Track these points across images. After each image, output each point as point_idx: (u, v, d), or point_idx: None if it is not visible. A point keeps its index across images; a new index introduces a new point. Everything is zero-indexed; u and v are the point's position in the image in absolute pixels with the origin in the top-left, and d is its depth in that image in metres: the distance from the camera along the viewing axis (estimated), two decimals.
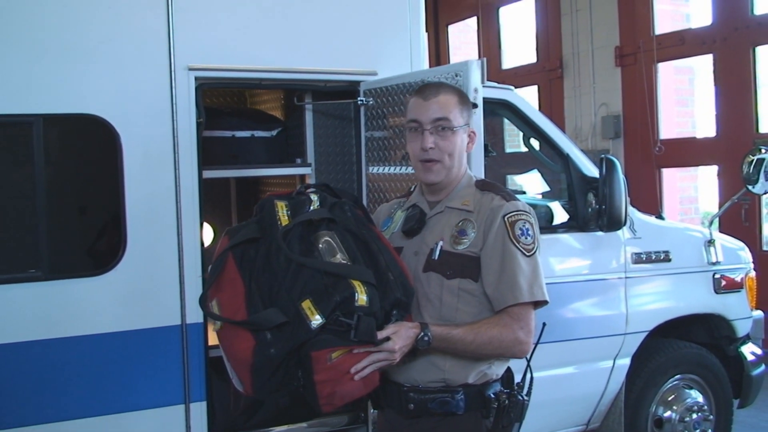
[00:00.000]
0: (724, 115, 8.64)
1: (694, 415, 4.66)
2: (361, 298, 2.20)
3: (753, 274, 5.02)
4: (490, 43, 12.04)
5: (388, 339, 2.24)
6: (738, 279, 4.87)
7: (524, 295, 2.38)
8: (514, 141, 8.05)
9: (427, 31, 4.61)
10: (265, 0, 3.89)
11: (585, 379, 4.43)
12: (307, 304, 2.19)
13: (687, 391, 4.74)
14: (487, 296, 2.42)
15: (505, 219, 2.43)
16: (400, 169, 3.82)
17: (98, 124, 3.49)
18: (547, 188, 4.96)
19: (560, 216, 4.52)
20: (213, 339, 2.66)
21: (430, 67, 4.27)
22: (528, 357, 2.49)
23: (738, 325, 4.88)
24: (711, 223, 4.96)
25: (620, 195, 4.10)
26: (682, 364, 4.74)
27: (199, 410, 3.67)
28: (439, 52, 13.18)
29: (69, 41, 3.45)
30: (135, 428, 3.55)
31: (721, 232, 5.12)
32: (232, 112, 5.17)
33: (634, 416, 4.58)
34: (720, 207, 6.66)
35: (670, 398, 4.70)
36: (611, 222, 4.14)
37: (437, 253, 2.47)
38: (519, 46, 11.91)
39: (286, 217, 2.39)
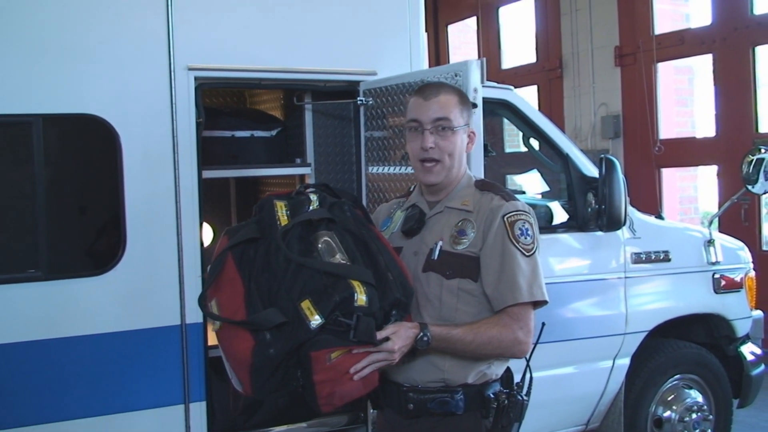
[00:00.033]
0: (723, 115, 8.64)
1: (694, 415, 4.66)
2: (361, 298, 2.19)
3: (752, 273, 5.02)
4: (489, 43, 12.04)
5: (387, 339, 2.23)
6: (737, 279, 4.87)
7: (524, 295, 2.38)
8: (514, 141, 8.05)
9: (426, 31, 4.61)
10: (265, 0, 3.89)
11: (584, 379, 4.43)
12: (306, 304, 2.19)
13: (686, 391, 4.74)
14: (487, 296, 2.42)
15: (505, 219, 2.43)
16: (400, 169, 3.82)
17: (98, 124, 3.49)
18: (546, 188, 4.96)
19: (560, 216, 4.52)
20: (212, 339, 2.66)
21: (430, 67, 4.27)
22: (527, 357, 2.49)
23: (737, 325, 4.88)
24: (711, 222, 4.96)
25: (620, 195, 4.10)
26: (682, 364, 4.75)
27: (198, 410, 3.67)
28: (438, 52, 13.19)
29: (69, 41, 3.45)
30: (134, 428, 3.55)
31: (720, 231, 5.12)
32: (232, 112, 5.17)
33: (633, 416, 4.58)
34: (719, 207, 6.66)
35: (669, 398, 4.71)
36: (611, 222, 4.14)
37: (437, 253, 2.47)
38: (518, 46, 11.91)
39: (286, 217, 2.39)
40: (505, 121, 4.82)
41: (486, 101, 3.39)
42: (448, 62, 11.22)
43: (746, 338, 4.98)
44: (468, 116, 2.57)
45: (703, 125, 9.44)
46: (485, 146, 3.55)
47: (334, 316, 2.17)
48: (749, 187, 4.78)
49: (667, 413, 4.68)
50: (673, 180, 9.66)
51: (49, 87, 3.42)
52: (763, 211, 8.28)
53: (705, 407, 4.73)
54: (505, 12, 11.98)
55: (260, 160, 4.65)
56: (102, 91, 3.50)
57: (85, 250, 3.69)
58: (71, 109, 3.47)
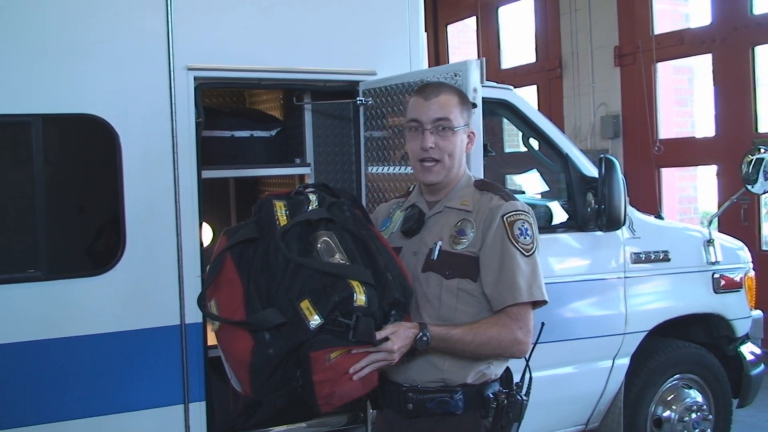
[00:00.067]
0: (723, 115, 8.64)
1: (694, 415, 4.66)
2: (360, 298, 2.19)
3: (752, 273, 5.02)
4: (489, 42, 12.04)
5: (386, 339, 2.23)
6: (737, 279, 4.87)
7: (523, 295, 2.38)
8: (514, 141, 8.06)
9: (426, 30, 4.61)
10: (265, 0, 3.89)
11: (584, 379, 4.43)
12: (305, 305, 2.19)
13: (686, 390, 4.74)
14: (486, 296, 2.42)
15: (504, 219, 2.43)
16: (400, 169, 3.82)
17: (97, 124, 3.49)
18: (546, 188, 4.96)
19: (559, 216, 4.52)
20: (212, 339, 2.66)
21: (429, 67, 4.27)
22: (527, 357, 2.49)
23: (737, 325, 4.88)
24: (710, 222, 4.96)
25: (619, 195, 4.10)
26: (682, 364, 4.74)
27: (198, 410, 3.67)
28: (438, 51, 13.19)
29: (68, 41, 3.45)
30: (134, 428, 3.55)
31: (720, 231, 5.12)
32: (231, 112, 5.17)
33: (633, 416, 4.58)
34: (719, 207, 6.66)
35: (669, 398, 4.71)
36: (610, 222, 4.14)
37: (436, 253, 2.47)
38: (518, 45, 11.91)
39: (285, 217, 2.39)
40: (505, 121, 4.82)
41: (485, 101, 3.39)
42: (448, 62, 11.22)
43: (746, 338, 4.98)
44: (468, 116, 2.58)
45: (703, 125, 9.45)
46: (485, 146, 3.55)
47: (333, 316, 2.17)
48: (749, 186, 4.78)
49: (667, 413, 4.68)
50: (673, 180, 9.66)
51: (48, 87, 3.42)
52: (763, 210, 8.28)
53: (704, 407, 4.73)
54: (504, 12, 11.99)
55: (260, 160, 4.65)
56: (101, 91, 3.50)
57: (85, 250, 3.69)
58: (71, 109, 3.47)
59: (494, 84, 4.23)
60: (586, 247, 4.40)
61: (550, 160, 4.54)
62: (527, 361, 2.53)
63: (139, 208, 3.54)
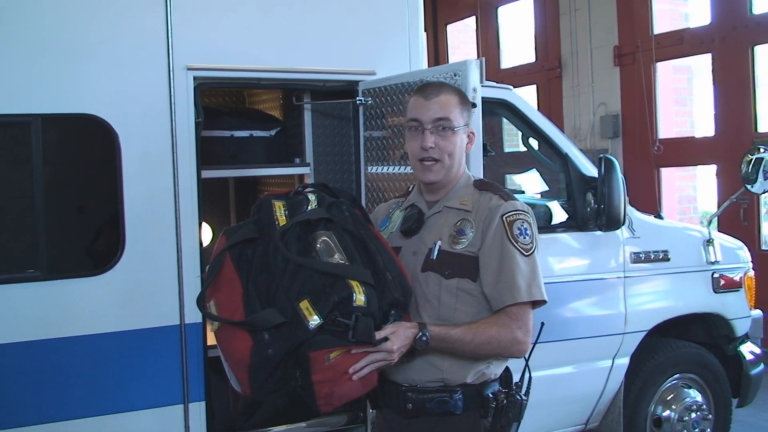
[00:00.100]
0: (722, 115, 8.65)
1: (693, 415, 4.67)
2: (359, 298, 2.19)
3: (752, 273, 5.02)
4: (488, 42, 12.04)
5: (386, 339, 2.23)
6: (737, 278, 4.87)
7: (522, 294, 2.38)
8: (513, 140, 8.06)
9: (425, 30, 4.62)
10: (264, 0, 3.88)
11: (584, 379, 4.43)
12: (305, 305, 2.18)
13: (686, 390, 4.74)
14: (486, 296, 2.42)
15: (504, 218, 2.42)
16: (399, 169, 3.82)
17: (97, 123, 3.49)
18: (545, 188, 4.96)
19: (559, 215, 4.52)
20: (212, 339, 2.66)
21: (429, 66, 4.27)
22: (526, 356, 2.49)
23: (737, 325, 4.88)
24: (710, 222, 4.96)
25: (619, 194, 4.10)
26: (681, 364, 4.75)
27: (197, 410, 3.67)
28: (437, 51, 13.19)
29: (68, 41, 3.45)
30: (134, 428, 3.55)
31: (719, 231, 5.12)
32: (231, 111, 5.18)
33: (633, 415, 4.58)
34: (719, 206, 6.66)
35: (669, 397, 4.71)
36: (610, 221, 4.14)
37: (435, 252, 2.47)
38: (518, 45, 11.91)
39: (284, 217, 2.39)
40: (505, 120, 4.82)
41: (485, 101, 3.39)
42: (447, 62, 11.22)
43: (745, 338, 4.99)
44: (468, 116, 2.58)
45: (702, 125, 9.45)
46: (484, 146, 3.55)
47: (332, 316, 2.17)
48: (748, 186, 4.78)
49: (667, 413, 4.68)
50: (672, 179, 9.66)
51: (48, 87, 3.42)
52: (762, 210, 8.28)
53: (704, 406, 4.73)
54: (504, 12, 11.99)
55: (259, 159, 4.65)
56: (101, 91, 3.50)
57: (85, 250, 3.69)
58: (70, 109, 3.47)
59: (494, 84, 4.23)
60: (586, 247, 4.40)
61: (549, 159, 4.54)
62: (527, 360, 2.53)
63: (138, 208, 3.54)
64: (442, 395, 2.42)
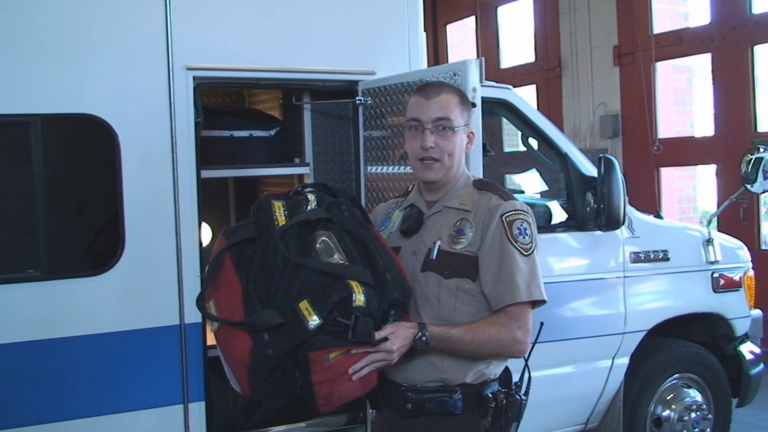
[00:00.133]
0: (722, 114, 8.65)
1: (693, 414, 4.67)
2: (359, 298, 2.19)
3: (751, 273, 5.02)
4: (488, 42, 12.04)
5: (385, 339, 2.23)
6: (736, 278, 4.87)
7: (522, 294, 2.38)
8: (513, 140, 8.05)
9: (425, 30, 4.61)
10: (264, 0, 3.88)
11: (583, 379, 4.43)
12: (304, 305, 2.18)
13: (686, 390, 4.74)
14: (485, 296, 2.42)
15: (503, 218, 2.42)
16: (399, 169, 3.82)
17: (96, 123, 3.49)
18: (545, 187, 4.96)
19: (559, 215, 4.52)
20: (211, 339, 2.66)
21: (429, 66, 4.27)
22: (526, 356, 2.49)
23: (736, 324, 4.88)
24: (709, 222, 4.96)
25: (618, 194, 4.10)
26: (681, 363, 4.75)
27: (197, 410, 3.67)
28: (437, 51, 13.19)
29: (67, 41, 3.45)
30: (133, 428, 3.55)
31: (719, 231, 5.12)
32: (231, 111, 5.18)
33: (632, 415, 4.58)
34: (718, 206, 6.66)
35: (668, 397, 4.71)
36: (610, 221, 4.14)
37: (435, 252, 2.46)
38: (517, 45, 11.91)
39: (284, 217, 2.39)
40: (504, 120, 4.81)
41: (485, 101, 3.39)
42: (447, 62, 11.22)
43: (745, 337, 4.99)
44: (468, 116, 2.58)
45: (702, 124, 9.45)
46: (484, 146, 3.55)
47: (332, 317, 2.17)
48: (748, 186, 4.78)
49: (667, 412, 4.68)
50: (672, 179, 9.66)
51: (47, 87, 3.42)
52: (762, 210, 8.28)
53: (704, 406, 4.73)
54: (503, 11, 11.99)
55: (259, 159, 4.65)
56: (101, 91, 3.50)
57: (84, 250, 3.69)
58: (70, 109, 3.47)
59: (493, 83, 4.23)
60: (586, 247, 4.40)
61: (549, 159, 4.54)
62: (526, 360, 2.53)
63: (138, 208, 3.54)
64: (442, 395, 2.42)
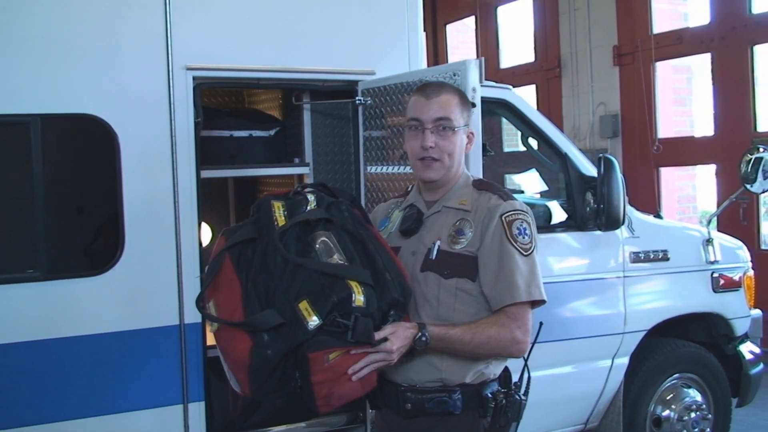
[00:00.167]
0: (722, 114, 8.65)
1: (693, 414, 4.67)
2: (358, 298, 2.19)
3: (751, 272, 5.02)
4: (488, 42, 12.04)
5: (385, 339, 2.23)
6: (736, 278, 4.87)
7: (522, 294, 2.38)
8: (513, 140, 8.05)
9: (425, 30, 4.61)
10: (263, 0, 3.88)
11: (583, 379, 4.43)
12: (304, 305, 2.18)
13: (685, 390, 4.74)
14: (485, 296, 2.42)
15: (503, 218, 2.42)
16: (399, 169, 3.82)
17: (96, 123, 3.49)
18: (545, 187, 4.96)
19: (558, 215, 4.52)
20: (211, 339, 2.66)
21: (428, 66, 4.27)
22: (525, 356, 2.49)
23: (736, 324, 4.88)
24: (709, 222, 4.96)
25: (618, 194, 4.10)
26: (681, 363, 4.75)
27: (197, 410, 3.68)
28: (437, 51, 13.19)
29: (67, 41, 3.45)
30: (133, 428, 3.55)
31: (719, 231, 5.12)
32: (230, 111, 5.18)
33: (632, 415, 4.58)
34: (718, 206, 6.66)
35: (668, 397, 4.71)
36: (609, 221, 4.14)
37: (435, 252, 2.46)
38: (517, 45, 11.91)
39: (283, 218, 2.38)
40: (504, 120, 4.81)
41: (484, 101, 3.39)
42: (447, 62, 11.22)
43: (745, 337, 4.99)
44: (468, 117, 2.58)
45: (702, 124, 9.45)
46: (484, 146, 3.55)
47: (331, 317, 2.17)
48: (748, 186, 4.78)
49: (666, 412, 4.68)
50: (672, 179, 9.66)
51: (47, 87, 3.42)
52: (762, 210, 8.28)
53: (704, 406, 4.73)
54: (503, 11, 11.99)
55: (259, 159, 4.65)
56: (100, 91, 3.50)
57: (84, 250, 3.69)
58: (69, 109, 3.47)
59: (493, 83, 4.23)
60: (585, 247, 4.40)
61: (549, 159, 4.54)
62: (526, 360, 2.53)
63: (138, 208, 3.54)
64: (441, 395, 2.42)
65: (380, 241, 2.41)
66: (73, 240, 3.64)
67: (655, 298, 4.62)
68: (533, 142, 4.57)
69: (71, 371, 3.45)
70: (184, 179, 3.63)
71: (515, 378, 2.56)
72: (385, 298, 2.25)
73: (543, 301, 2.44)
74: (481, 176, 3.09)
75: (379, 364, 2.25)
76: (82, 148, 3.70)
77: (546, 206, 4.58)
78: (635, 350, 4.53)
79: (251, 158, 4.63)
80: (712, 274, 4.76)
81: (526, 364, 2.56)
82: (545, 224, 4.42)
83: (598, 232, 4.31)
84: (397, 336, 2.25)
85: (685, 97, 9.84)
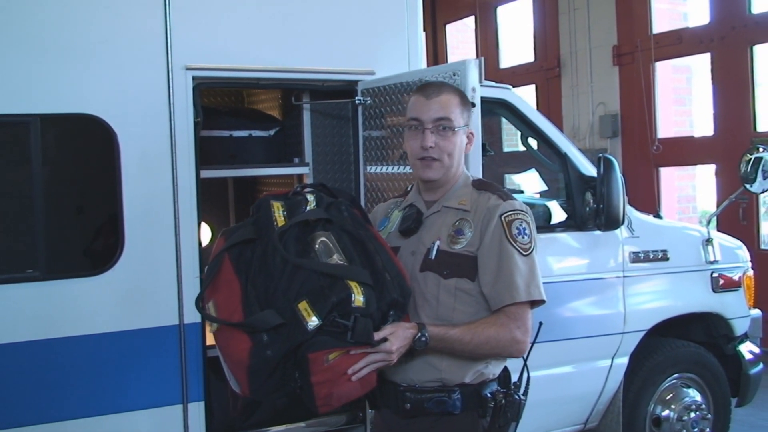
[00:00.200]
0: (721, 114, 8.65)
1: (692, 414, 4.67)
2: (358, 299, 2.19)
3: (751, 272, 5.02)
4: (487, 42, 12.04)
5: (385, 340, 2.23)
6: (736, 278, 4.88)
7: (521, 294, 2.38)
8: (512, 140, 8.05)
9: (424, 30, 4.61)
10: (263, 0, 3.88)
11: (583, 379, 4.43)
12: (303, 306, 2.18)
13: (685, 390, 4.74)
14: (484, 296, 2.42)
15: (502, 218, 2.42)
16: (398, 169, 3.82)
17: (96, 123, 3.48)
18: (545, 187, 4.96)
19: (558, 215, 4.52)
20: (211, 339, 2.66)
21: (428, 66, 4.27)
22: (525, 356, 2.49)
23: (736, 324, 4.88)
24: (709, 221, 4.96)
25: (618, 194, 4.10)
26: (680, 363, 4.75)
27: (197, 410, 3.67)
28: (436, 51, 13.19)
29: (67, 41, 3.45)
30: (133, 428, 3.55)
31: (719, 230, 5.12)
32: (230, 111, 5.17)
33: (632, 415, 4.58)
34: (718, 206, 6.67)
35: (668, 397, 4.71)
36: (609, 221, 4.14)
37: (434, 252, 2.46)
38: (517, 45, 11.91)
39: (283, 218, 2.38)
40: (504, 120, 4.81)
41: (484, 100, 3.39)
42: (447, 62, 11.23)
43: (744, 337, 4.99)
44: (468, 117, 2.58)
45: (702, 124, 9.45)
46: (483, 146, 3.55)
47: (331, 317, 2.17)
48: (747, 186, 4.79)
49: (666, 412, 4.68)
50: (672, 179, 9.67)
51: (47, 87, 3.42)
52: (762, 210, 8.28)
53: (703, 406, 4.74)
54: (503, 11, 11.99)
55: (258, 159, 4.65)
56: (100, 91, 3.50)
57: (84, 250, 3.69)
58: (69, 109, 3.47)
59: (493, 83, 4.23)
60: (585, 247, 4.40)
61: (548, 159, 4.54)
62: (525, 360, 2.53)
63: (137, 208, 3.54)
64: (441, 395, 2.42)
65: (380, 242, 2.41)
66: (72, 240, 3.64)
67: (655, 298, 4.62)
68: (533, 142, 4.57)
69: (71, 371, 3.45)
70: (184, 179, 3.63)
71: (514, 378, 2.56)
72: (385, 299, 2.25)
73: (542, 301, 2.44)
74: (480, 176, 3.09)
75: (379, 365, 2.25)
76: (82, 148, 3.70)
77: (546, 206, 4.58)
78: (635, 350, 4.53)
79: (251, 158, 4.63)
80: (711, 274, 4.76)
81: (525, 364, 2.56)
82: (545, 224, 4.43)
83: (598, 232, 4.31)
84: (396, 336, 2.25)
85: (684, 97, 9.84)
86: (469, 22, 12.77)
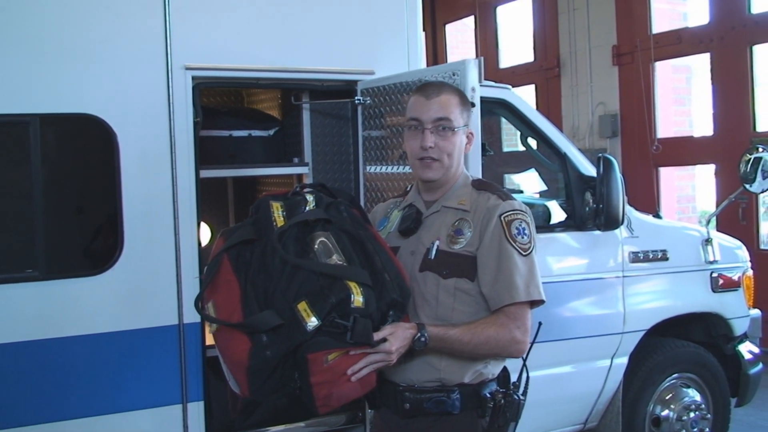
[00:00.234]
0: (721, 114, 8.65)
1: (692, 414, 4.67)
2: (357, 299, 2.19)
3: (750, 272, 5.02)
4: (487, 42, 12.04)
5: (384, 340, 2.23)
6: (735, 278, 4.88)
7: (521, 294, 2.38)
8: (512, 140, 8.06)
9: (424, 30, 4.61)
10: (263, 0, 3.88)
11: (582, 379, 4.43)
12: (302, 306, 2.18)
13: (685, 389, 4.74)
14: (484, 296, 2.42)
15: (502, 218, 2.42)
16: (398, 169, 3.82)
17: (95, 123, 3.48)
18: (544, 187, 4.96)
19: (558, 215, 4.52)
20: (210, 339, 2.66)
21: (428, 66, 4.27)
22: (524, 356, 2.49)
23: (735, 324, 4.88)
24: (708, 221, 4.96)
25: (617, 194, 4.10)
26: (680, 363, 4.75)
27: (196, 410, 3.67)
28: (436, 51, 13.18)
29: (66, 41, 3.45)
30: (132, 428, 3.55)
31: (718, 230, 5.12)
32: (230, 111, 5.17)
33: (631, 415, 4.58)
34: (717, 206, 6.67)
35: (667, 397, 4.71)
36: (608, 221, 4.14)
37: (433, 252, 2.46)
38: (516, 45, 11.91)
39: (282, 218, 2.38)
40: (503, 120, 4.81)
41: (484, 100, 3.39)
42: (446, 61, 11.23)
43: (744, 337, 4.99)
44: (468, 117, 2.58)
45: (701, 124, 9.45)
46: (483, 145, 3.55)
47: (330, 318, 2.17)
48: (747, 185, 4.79)
49: (665, 412, 4.68)
50: (671, 179, 9.67)
51: (46, 87, 3.42)
52: (761, 209, 8.29)
53: (703, 406, 4.74)
54: (502, 11, 11.99)
55: (258, 159, 4.65)
56: (99, 91, 3.50)
57: (83, 250, 3.69)
58: (69, 109, 3.47)
59: (492, 83, 4.22)
60: (585, 247, 4.40)
61: (548, 159, 4.54)
62: (524, 360, 2.53)
63: (137, 207, 3.54)
64: (440, 395, 2.42)
65: (379, 242, 2.40)
66: (72, 240, 3.64)
67: (655, 298, 4.62)
68: (532, 142, 4.57)
69: (70, 371, 3.45)
70: (183, 179, 3.63)
71: (514, 378, 2.56)
72: (384, 299, 2.25)
73: (542, 301, 2.44)
74: (480, 176, 3.09)
75: (379, 365, 2.25)
76: (82, 148, 3.70)
77: (545, 206, 4.58)
78: (634, 350, 4.53)
79: (250, 158, 4.63)
80: (711, 274, 4.76)
81: (524, 364, 2.56)
82: (544, 224, 4.42)
83: (598, 232, 4.31)
84: (396, 336, 2.25)
85: (684, 97, 9.84)
86: (469, 22, 12.77)
